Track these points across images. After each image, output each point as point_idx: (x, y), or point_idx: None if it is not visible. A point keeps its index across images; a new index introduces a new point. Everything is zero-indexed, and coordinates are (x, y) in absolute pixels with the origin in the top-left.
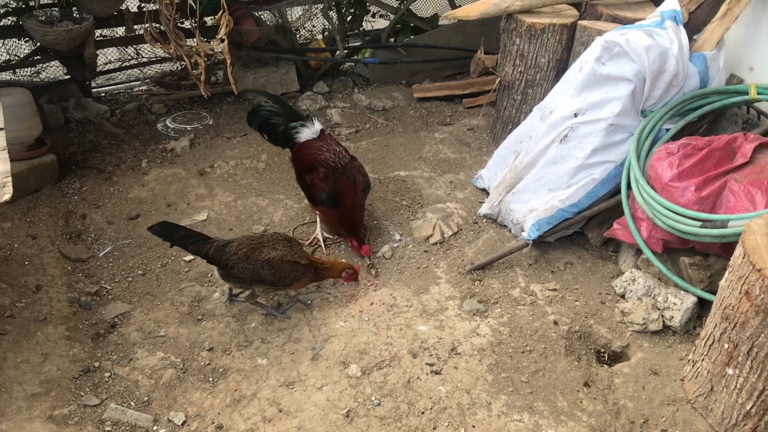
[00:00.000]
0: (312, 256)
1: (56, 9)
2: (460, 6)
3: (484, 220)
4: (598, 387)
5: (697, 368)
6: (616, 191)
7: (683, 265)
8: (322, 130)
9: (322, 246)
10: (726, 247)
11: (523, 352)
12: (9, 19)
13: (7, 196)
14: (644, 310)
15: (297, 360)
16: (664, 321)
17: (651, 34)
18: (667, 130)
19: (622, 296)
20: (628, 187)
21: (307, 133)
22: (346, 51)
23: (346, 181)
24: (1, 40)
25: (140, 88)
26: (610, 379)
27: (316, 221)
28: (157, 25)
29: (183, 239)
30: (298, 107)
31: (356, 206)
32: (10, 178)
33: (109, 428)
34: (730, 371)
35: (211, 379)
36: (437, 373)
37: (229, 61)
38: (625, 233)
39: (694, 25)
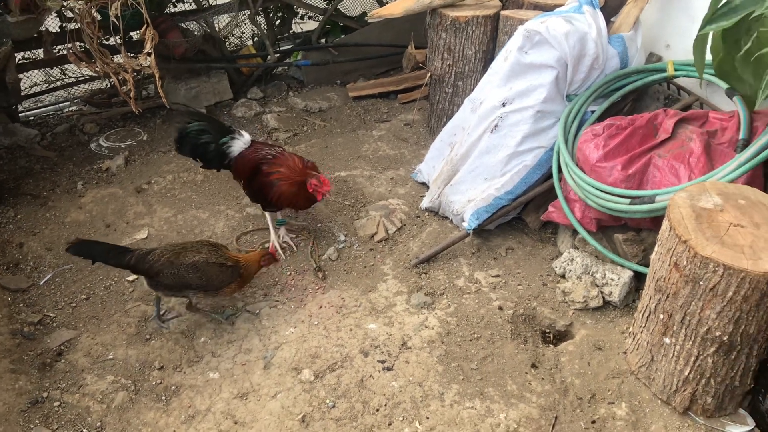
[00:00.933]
0: (237, 255)
1: None
2: (387, 3)
3: (426, 214)
4: (545, 367)
5: (638, 340)
6: (549, 175)
7: (617, 241)
8: (252, 140)
9: (280, 252)
10: (656, 221)
11: (471, 340)
12: None
13: None
14: (584, 288)
15: (249, 370)
16: (603, 297)
17: (570, 19)
18: (593, 112)
19: (563, 276)
20: (559, 170)
21: (239, 144)
22: (277, 55)
23: (291, 162)
24: None
25: (70, 109)
26: (556, 358)
27: (266, 228)
28: (81, 44)
29: (103, 254)
30: (233, 116)
31: (298, 171)
32: None
33: None
34: (667, 340)
35: (163, 397)
36: (389, 369)
37: (157, 75)
38: (560, 215)
39: (610, 8)
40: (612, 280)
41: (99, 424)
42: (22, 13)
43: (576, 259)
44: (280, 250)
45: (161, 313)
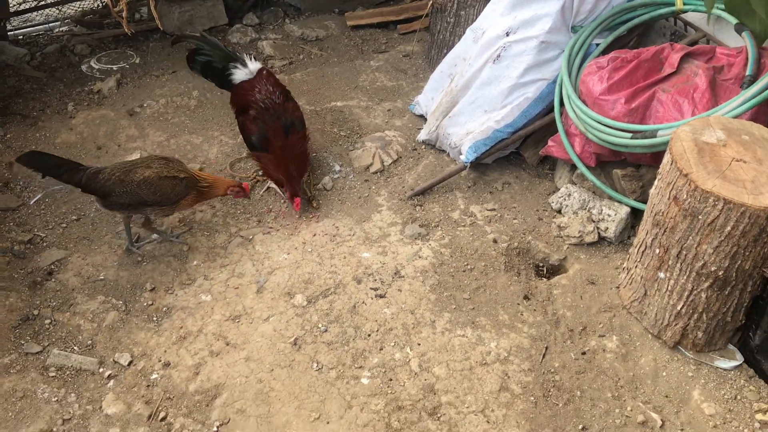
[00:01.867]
0: (194, 171)
1: None
2: None
3: (423, 147)
4: (538, 299)
5: (631, 275)
6: (550, 109)
7: (616, 176)
8: (260, 70)
9: (278, 190)
10: (656, 157)
11: (464, 271)
12: None
13: None
14: (580, 223)
15: (241, 294)
16: (599, 233)
17: None
18: (597, 45)
19: (559, 211)
20: (561, 104)
21: (241, 74)
22: None
23: (276, 124)
24: None
25: (61, 29)
26: (549, 291)
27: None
28: None
29: (55, 168)
30: (228, 42)
31: (289, 151)
32: None
33: (53, 374)
34: (661, 275)
35: (155, 318)
36: (382, 296)
37: None
38: (560, 150)
39: None
40: (608, 215)
41: (90, 342)
42: None
43: (573, 195)
44: (278, 189)
45: (134, 240)
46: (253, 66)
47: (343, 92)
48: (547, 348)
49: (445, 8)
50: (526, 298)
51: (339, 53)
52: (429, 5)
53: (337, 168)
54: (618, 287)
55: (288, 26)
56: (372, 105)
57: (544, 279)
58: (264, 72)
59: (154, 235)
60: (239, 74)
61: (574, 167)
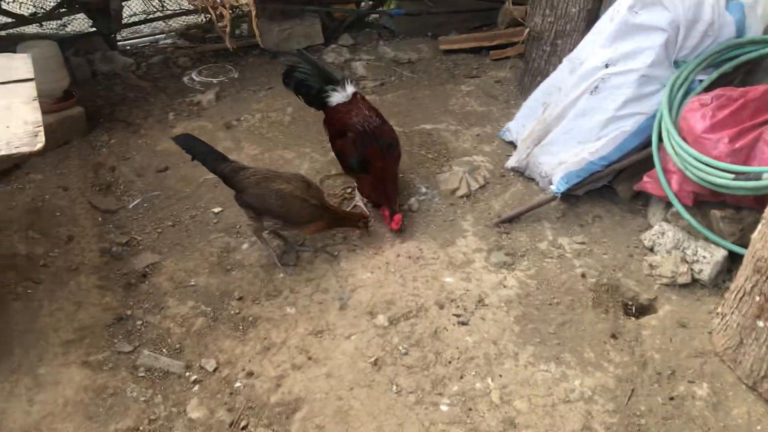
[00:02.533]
0: (328, 203)
1: None
2: None
3: (512, 174)
4: (626, 339)
5: (726, 321)
6: (647, 144)
7: (714, 218)
8: (354, 93)
9: (363, 208)
10: (759, 200)
11: (550, 304)
12: None
13: (39, 145)
14: (673, 263)
15: (325, 309)
16: (693, 274)
17: None
18: (701, 81)
19: (651, 249)
20: (660, 139)
21: (338, 97)
22: (371, 2)
23: (375, 146)
24: None
25: (165, 41)
26: (637, 331)
27: (349, 178)
28: None
29: (204, 154)
30: (323, 61)
31: (387, 173)
32: (42, 128)
33: (142, 374)
34: (760, 324)
35: (241, 327)
36: (464, 323)
37: (254, 13)
38: (655, 186)
39: None
40: (704, 257)
41: (178, 345)
42: None
43: (667, 233)
44: (363, 207)
45: (278, 253)
46: (350, 89)
47: (432, 115)
48: (633, 390)
49: (542, 37)
50: (613, 336)
51: (430, 76)
52: (525, 33)
53: (424, 190)
54: (711, 333)
55: (381, 48)
56: (461, 129)
57: (633, 318)
58: (358, 95)
59: (291, 257)
60: (336, 97)
61: (669, 205)
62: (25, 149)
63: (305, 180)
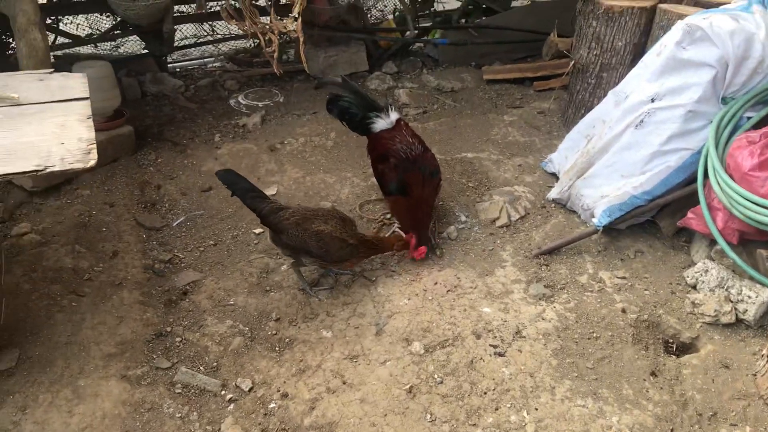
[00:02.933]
0: (363, 235)
1: None
2: None
3: (553, 205)
4: (666, 377)
5: None
6: (691, 180)
7: (760, 257)
8: (398, 120)
9: (402, 234)
10: None
11: (589, 339)
12: None
13: (92, 162)
14: (716, 302)
15: (361, 334)
16: (737, 314)
17: (736, 18)
18: (749, 118)
19: (694, 287)
20: (705, 175)
21: (382, 123)
22: (416, 31)
23: (416, 172)
24: (85, 15)
25: (214, 65)
26: (677, 369)
27: (381, 200)
28: (233, 3)
29: (244, 191)
30: (366, 88)
31: (424, 200)
32: (95, 145)
33: (179, 390)
34: None
35: (277, 348)
36: (501, 354)
37: (302, 40)
38: (700, 223)
39: None
40: (749, 297)
41: (215, 364)
42: None
43: (711, 271)
44: (402, 233)
45: (310, 283)
46: (393, 116)
47: (474, 144)
48: (672, 430)
49: (587, 69)
50: (653, 374)
51: (473, 105)
52: (570, 65)
53: (463, 218)
54: (755, 375)
55: (425, 76)
56: (502, 159)
57: (674, 356)
58: (401, 122)
59: (329, 279)
60: (380, 123)
61: (713, 242)
62: (79, 166)
63: (339, 216)
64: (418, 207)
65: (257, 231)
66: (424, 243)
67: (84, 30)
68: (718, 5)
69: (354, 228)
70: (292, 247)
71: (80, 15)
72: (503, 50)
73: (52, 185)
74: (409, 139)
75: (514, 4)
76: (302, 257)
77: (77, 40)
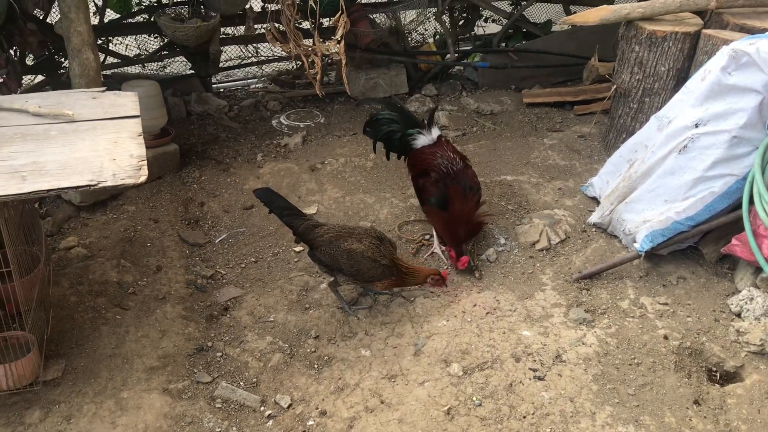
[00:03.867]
0: (399, 259)
1: (186, 7)
2: (574, 13)
3: (593, 229)
4: (709, 406)
5: None
6: (736, 206)
7: None
8: (439, 136)
9: (441, 256)
10: None
11: (630, 365)
12: (142, 17)
13: (143, 178)
14: (762, 330)
15: (399, 354)
16: None
17: None
18: None
19: (738, 315)
20: (750, 202)
21: (424, 139)
22: (456, 55)
23: (457, 187)
24: (134, 36)
25: (257, 86)
26: (722, 399)
27: (427, 225)
28: (278, 25)
29: (281, 209)
30: (407, 108)
31: (464, 214)
32: (146, 162)
33: (219, 405)
34: None
35: (316, 366)
36: (540, 378)
37: (344, 62)
38: (744, 250)
39: None
40: None
41: (255, 380)
42: None
43: (756, 299)
44: (441, 255)
45: (349, 302)
46: (435, 133)
47: (513, 167)
48: None
49: (629, 94)
50: (696, 403)
51: (512, 128)
52: (612, 89)
53: (502, 241)
54: None
55: (464, 99)
56: (542, 182)
57: (717, 385)
58: (443, 138)
59: (368, 299)
60: (422, 139)
61: (758, 270)
62: (130, 181)
63: (378, 235)
64: (457, 221)
65: (297, 249)
66: (462, 253)
67: (132, 50)
68: (764, 31)
69: (392, 250)
70: (326, 264)
71: (129, 36)
72: (543, 74)
73: (99, 200)
74: (451, 154)
75: (554, 28)
76: (337, 275)
77: (126, 60)
